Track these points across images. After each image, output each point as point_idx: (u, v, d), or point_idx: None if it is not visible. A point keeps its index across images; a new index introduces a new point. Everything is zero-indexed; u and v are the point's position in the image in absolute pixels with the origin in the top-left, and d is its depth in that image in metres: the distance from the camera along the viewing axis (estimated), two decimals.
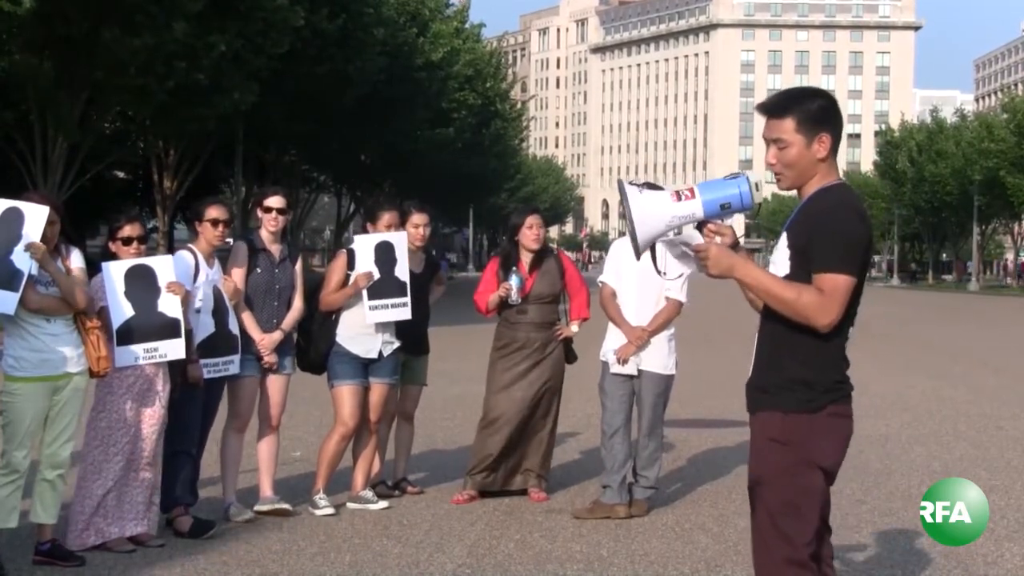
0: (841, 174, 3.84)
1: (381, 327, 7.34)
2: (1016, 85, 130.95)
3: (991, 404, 13.28)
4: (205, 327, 6.69)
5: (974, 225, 69.62)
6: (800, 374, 3.62)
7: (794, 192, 3.81)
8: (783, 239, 3.71)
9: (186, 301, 6.42)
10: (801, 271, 3.61)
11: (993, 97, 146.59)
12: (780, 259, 3.70)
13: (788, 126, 3.67)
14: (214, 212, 6.84)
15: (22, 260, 5.72)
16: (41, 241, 5.77)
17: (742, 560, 6.28)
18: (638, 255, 3.77)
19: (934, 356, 20.20)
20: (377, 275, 7.25)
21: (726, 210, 3.68)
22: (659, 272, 3.95)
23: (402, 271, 7.33)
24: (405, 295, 7.31)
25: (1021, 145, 58.61)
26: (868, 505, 7.52)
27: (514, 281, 7.61)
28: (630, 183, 3.73)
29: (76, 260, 6.08)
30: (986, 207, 67.05)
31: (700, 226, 3.73)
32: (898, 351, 19.88)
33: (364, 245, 7.34)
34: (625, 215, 3.67)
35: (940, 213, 73.96)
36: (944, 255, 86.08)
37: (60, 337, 5.91)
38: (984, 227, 73.23)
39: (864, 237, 3.63)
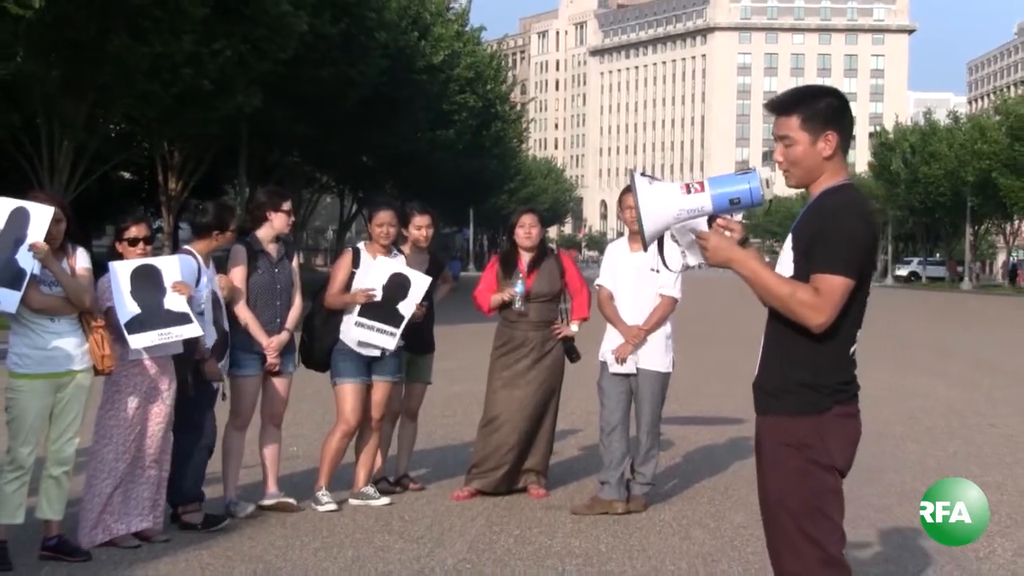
0: None
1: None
2: (1009, 87, 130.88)
3: (984, 402, 13.38)
4: (209, 333, 6.72)
5: (967, 225, 69.76)
6: (804, 377, 3.60)
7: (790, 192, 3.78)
8: (788, 241, 3.68)
9: (191, 301, 6.47)
10: (804, 273, 3.58)
11: (986, 99, 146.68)
12: (785, 260, 3.67)
13: (793, 123, 3.65)
14: (235, 220, 7.02)
15: (26, 259, 5.75)
16: (46, 240, 5.78)
17: (738, 556, 6.35)
18: (645, 246, 3.74)
19: (928, 354, 20.26)
20: (379, 297, 7.29)
21: (735, 205, 3.62)
22: (665, 265, 3.90)
23: (407, 308, 7.34)
24: (397, 327, 7.31)
25: (1013, 147, 58.62)
26: (861, 501, 7.54)
27: (519, 288, 7.69)
28: (641, 174, 3.70)
29: (82, 260, 6.11)
30: (979, 208, 67.14)
31: (710, 221, 3.69)
32: (892, 349, 19.93)
33: (383, 268, 7.37)
34: (634, 206, 3.65)
35: (933, 214, 74.10)
36: (938, 255, 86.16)
37: (64, 335, 5.95)
38: (977, 227, 73.33)
39: (867, 239, 3.59)
